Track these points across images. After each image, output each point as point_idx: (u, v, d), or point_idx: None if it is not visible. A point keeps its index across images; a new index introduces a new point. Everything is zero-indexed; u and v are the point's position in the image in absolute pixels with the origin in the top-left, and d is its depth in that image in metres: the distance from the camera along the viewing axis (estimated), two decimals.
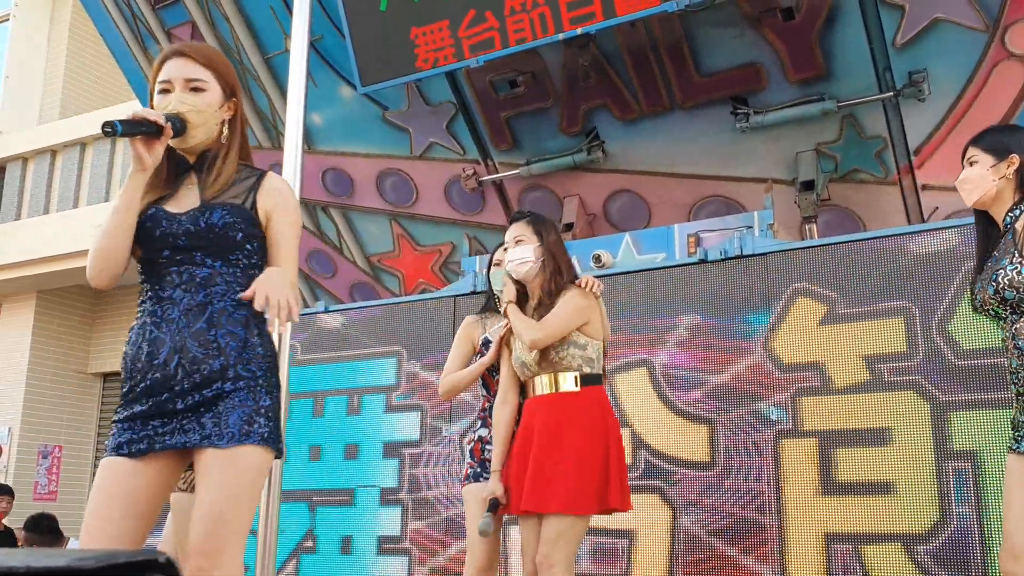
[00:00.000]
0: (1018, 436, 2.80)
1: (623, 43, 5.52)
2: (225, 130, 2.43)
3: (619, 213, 6.25)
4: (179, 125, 2.31)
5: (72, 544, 7.11)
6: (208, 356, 2.24)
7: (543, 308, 3.41)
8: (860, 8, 5.00)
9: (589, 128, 5.99)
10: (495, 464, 3.50)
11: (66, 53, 12.37)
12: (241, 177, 2.42)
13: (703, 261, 4.54)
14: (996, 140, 2.98)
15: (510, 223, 3.63)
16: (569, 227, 6.07)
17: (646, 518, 4.40)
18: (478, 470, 3.82)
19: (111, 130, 2.17)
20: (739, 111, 5.50)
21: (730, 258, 4.47)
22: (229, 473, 2.18)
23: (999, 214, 2.92)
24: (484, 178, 6.41)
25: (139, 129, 2.22)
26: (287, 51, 6.28)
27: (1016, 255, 2.78)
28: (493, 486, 3.47)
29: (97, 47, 11.97)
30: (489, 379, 3.91)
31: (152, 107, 2.37)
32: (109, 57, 10.15)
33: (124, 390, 2.30)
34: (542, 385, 3.39)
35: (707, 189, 5.94)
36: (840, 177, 5.57)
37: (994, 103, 5.10)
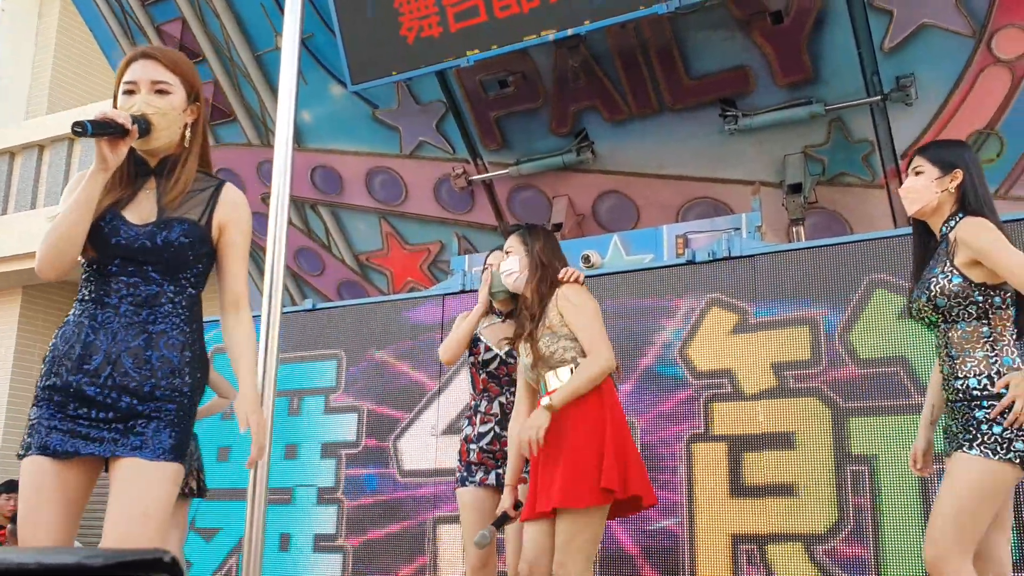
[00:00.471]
0: (947, 441, 2.92)
1: (613, 45, 5.54)
2: (187, 134, 2.44)
3: (608, 214, 6.27)
4: (144, 126, 2.32)
5: None
6: (140, 375, 2.27)
7: (534, 310, 3.45)
8: (849, 12, 5.03)
9: (579, 129, 6.01)
10: (508, 478, 3.51)
11: (54, 48, 12.32)
12: (199, 187, 2.44)
13: (691, 262, 4.56)
14: (943, 153, 3.06)
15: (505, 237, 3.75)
16: (558, 227, 6.09)
17: None
18: (464, 474, 3.84)
19: (81, 130, 2.18)
20: (728, 113, 5.53)
21: (718, 259, 4.49)
22: (157, 482, 2.23)
23: (936, 224, 3.00)
24: (473, 177, 6.42)
25: (107, 130, 2.23)
26: (277, 48, 6.31)
27: (948, 264, 2.88)
28: (504, 501, 3.50)
29: (85, 43, 11.93)
30: (476, 376, 3.93)
31: (116, 107, 2.37)
32: (97, 52, 10.13)
33: (46, 383, 2.30)
34: (543, 384, 3.42)
35: (695, 191, 5.97)
36: (827, 180, 5.61)
37: (980, 108, 5.14)
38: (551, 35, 5.16)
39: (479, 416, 3.88)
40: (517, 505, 3.43)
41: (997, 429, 2.75)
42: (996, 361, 2.83)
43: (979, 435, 2.77)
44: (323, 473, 5.36)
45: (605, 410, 3.29)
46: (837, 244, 4.36)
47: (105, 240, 2.32)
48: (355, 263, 7.25)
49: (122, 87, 2.38)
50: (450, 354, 3.98)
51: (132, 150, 2.38)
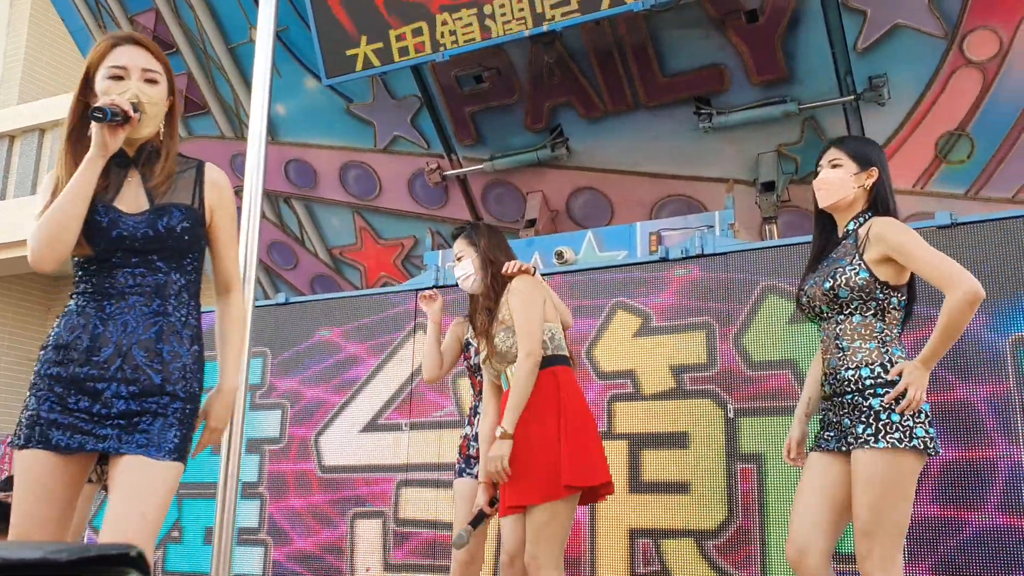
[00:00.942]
0: (827, 435, 2.94)
1: (588, 42, 5.54)
2: (162, 127, 2.43)
3: (582, 210, 6.28)
4: (138, 114, 2.31)
5: None
6: (151, 369, 2.26)
7: (489, 306, 3.47)
8: (823, 12, 5.06)
9: (554, 125, 6.01)
10: (481, 476, 3.50)
11: (26, 38, 12.18)
12: (180, 169, 2.43)
13: (664, 259, 4.57)
14: (862, 149, 3.09)
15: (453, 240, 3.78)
16: (532, 223, 6.09)
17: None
18: (462, 466, 3.93)
19: (101, 116, 2.19)
20: (702, 111, 5.55)
21: (691, 257, 4.51)
22: (159, 481, 2.21)
23: (844, 220, 3.04)
24: (448, 172, 6.41)
25: (115, 117, 2.23)
26: (251, 41, 6.27)
27: (856, 257, 2.91)
28: (479, 499, 3.50)
29: (57, 32, 11.81)
30: (472, 379, 3.96)
31: (95, 90, 2.36)
32: (69, 42, 10.03)
33: (47, 371, 2.26)
34: (504, 380, 3.44)
35: (669, 188, 5.98)
36: (800, 179, 5.64)
37: (952, 108, 5.19)
38: (526, 31, 5.15)
39: (477, 418, 3.89)
40: (493, 502, 3.43)
41: (896, 417, 2.76)
42: (887, 352, 2.87)
43: (880, 426, 2.76)
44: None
45: (561, 402, 3.28)
46: (809, 243, 4.38)
47: (105, 233, 2.29)
48: (328, 257, 7.22)
49: (108, 70, 2.35)
50: (427, 373, 4.04)
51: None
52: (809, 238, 4.43)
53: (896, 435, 2.75)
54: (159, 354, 2.27)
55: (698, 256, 4.49)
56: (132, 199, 2.35)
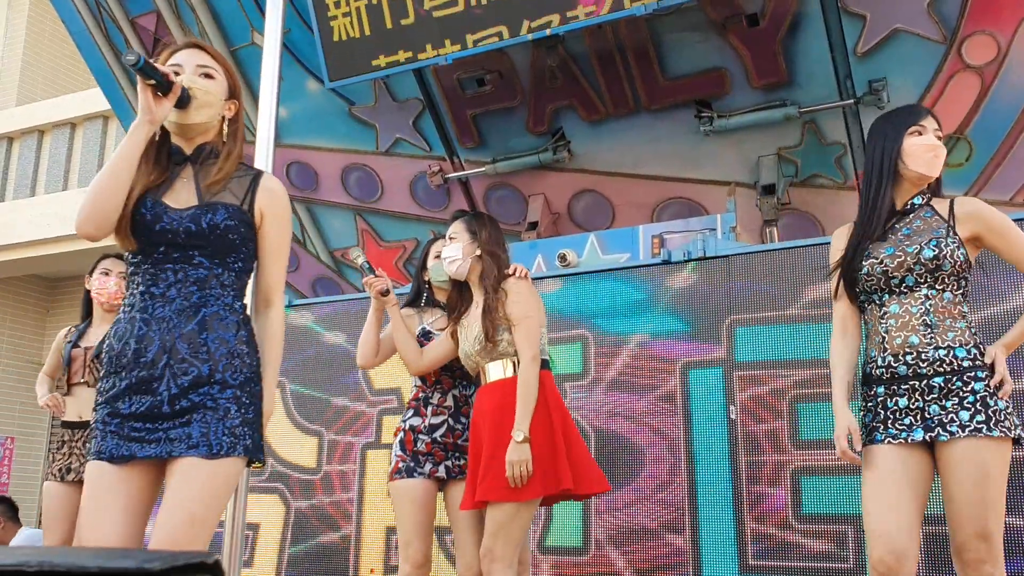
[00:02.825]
0: (901, 424, 2.72)
1: (591, 45, 5.58)
2: (226, 128, 2.46)
3: (583, 213, 6.31)
4: (186, 95, 2.35)
5: (22, 533, 7.02)
6: (197, 360, 2.24)
7: (490, 301, 3.48)
8: (823, 16, 5.10)
9: (555, 128, 6.05)
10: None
11: (24, 39, 12.18)
12: (238, 175, 2.45)
13: (667, 262, 4.61)
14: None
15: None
16: (534, 226, 6.12)
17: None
18: (411, 464, 3.70)
19: (134, 60, 2.21)
20: (703, 115, 5.59)
21: (693, 259, 4.54)
22: (210, 481, 2.19)
23: (910, 193, 2.89)
24: (450, 175, 6.44)
25: (155, 75, 2.26)
26: (254, 44, 6.30)
27: (951, 232, 2.76)
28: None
29: (55, 33, 11.81)
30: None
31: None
32: (68, 44, 10.04)
33: (106, 385, 2.28)
34: (484, 374, 3.50)
35: (670, 191, 6.02)
36: (800, 182, 5.68)
37: (950, 113, 5.23)
38: (529, 34, 5.18)
39: (431, 408, 3.77)
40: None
41: (1001, 404, 2.62)
42: (976, 333, 2.75)
43: (991, 413, 2.59)
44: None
45: (550, 408, 3.35)
46: (810, 245, 4.42)
47: (149, 227, 2.30)
48: (330, 259, 7.24)
49: (168, 69, 2.40)
50: (362, 359, 3.91)
51: (167, 137, 2.41)
52: (810, 241, 4.49)
53: (1006, 424, 2.60)
54: (204, 344, 2.25)
55: (700, 259, 4.52)
56: (183, 196, 2.36)
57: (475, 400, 3.58)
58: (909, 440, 2.66)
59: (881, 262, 2.80)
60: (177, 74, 2.40)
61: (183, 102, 2.35)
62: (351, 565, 4.90)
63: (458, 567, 3.63)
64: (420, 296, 4.09)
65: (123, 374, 2.25)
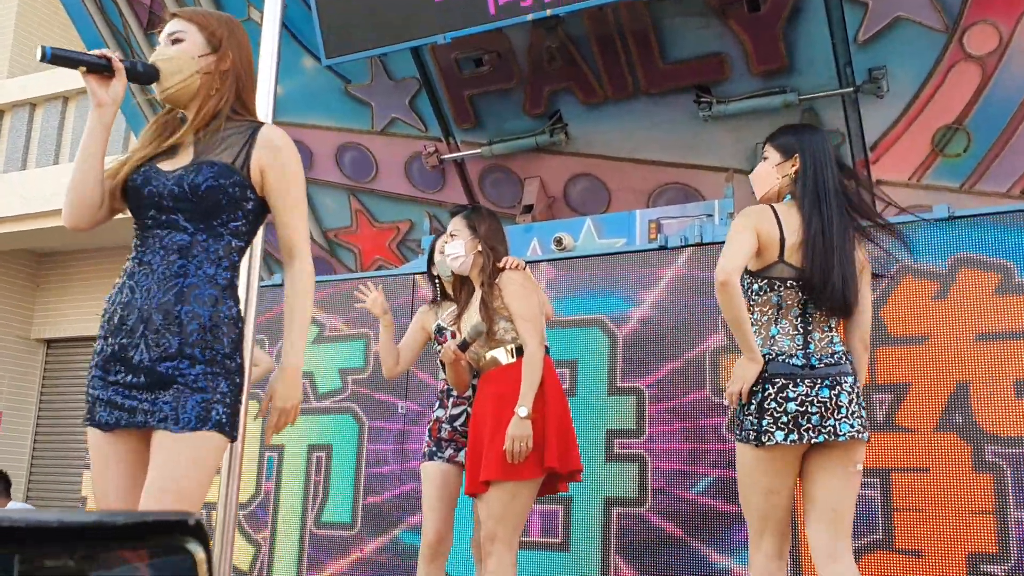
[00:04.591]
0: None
1: (590, 28, 5.53)
2: (216, 82, 2.42)
3: (579, 196, 6.28)
4: (145, 70, 2.35)
5: (12, 506, 7.04)
6: (169, 333, 2.21)
7: (485, 294, 3.61)
8: (824, 3, 5.06)
9: (553, 110, 6.00)
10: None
11: (16, 11, 12.06)
12: (238, 129, 2.39)
13: (663, 248, 4.59)
14: (786, 139, 3.18)
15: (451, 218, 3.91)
16: (529, 209, 6.09)
17: None
18: (433, 448, 3.95)
19: (40, 55, 2.21)
20: (702, 100, 5.55)
21: (690, 245, 4.52)
22: (180, 456, 2.16)
23: None
24: (445, 156, 6.39)
25: (80, 59, 2.26)
26: (250, 19, 6.22)
27: None
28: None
29: (48, 5, 11.69)
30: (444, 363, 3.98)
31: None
32: (61, 16, 9.92)
33: (97, 348, 2.30)
34: (485, 362, 3.62)
35: (667, 176, 5.99)
36: None
37: (949, 102, 5.21)
38: (529, 15, 5.14)
39: (452, 399, 3.98)
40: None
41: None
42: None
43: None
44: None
45: (545, 388, 3.48)
46: None
47: (139, 191, 2.29)
48: (323, 239, 7.20)
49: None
50: (387, 371, 4.17)
51: (179, 113, 2.41)
52: None
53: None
54: (177, 317, 2.21)
55: (697, 245, 4.51)
56: (180, 159, 2.34)
57: (477, 388, 3.69)
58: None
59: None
60: (108, 59, 2.35)
61: (146, 77, 2.34)
62: None
63: (473, 541, 3.87)
64: (435, 292, 4.23)
65: (109, 340, 2.26)
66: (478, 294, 3.68)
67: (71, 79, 10.39)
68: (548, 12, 5.07)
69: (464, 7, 5.22)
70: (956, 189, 5.48)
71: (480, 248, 3.69)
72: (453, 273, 3.84)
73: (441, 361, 3.88)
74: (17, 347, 11.53)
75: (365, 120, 6.51)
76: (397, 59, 6.02)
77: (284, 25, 6.19)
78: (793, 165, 3.10)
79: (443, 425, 3.93)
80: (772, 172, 3.13)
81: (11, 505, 7.04)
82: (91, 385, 2.28)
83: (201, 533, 0.54)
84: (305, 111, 6.63)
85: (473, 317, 3.61)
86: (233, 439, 2.32)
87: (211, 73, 2.41)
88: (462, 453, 3.87)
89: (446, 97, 6.18)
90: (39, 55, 2.20)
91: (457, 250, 3.71)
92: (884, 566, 3.78)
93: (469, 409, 3.89)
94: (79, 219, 2.31)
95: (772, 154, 3.15)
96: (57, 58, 2.22)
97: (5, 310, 11.53)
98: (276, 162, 2.36)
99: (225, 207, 2.30)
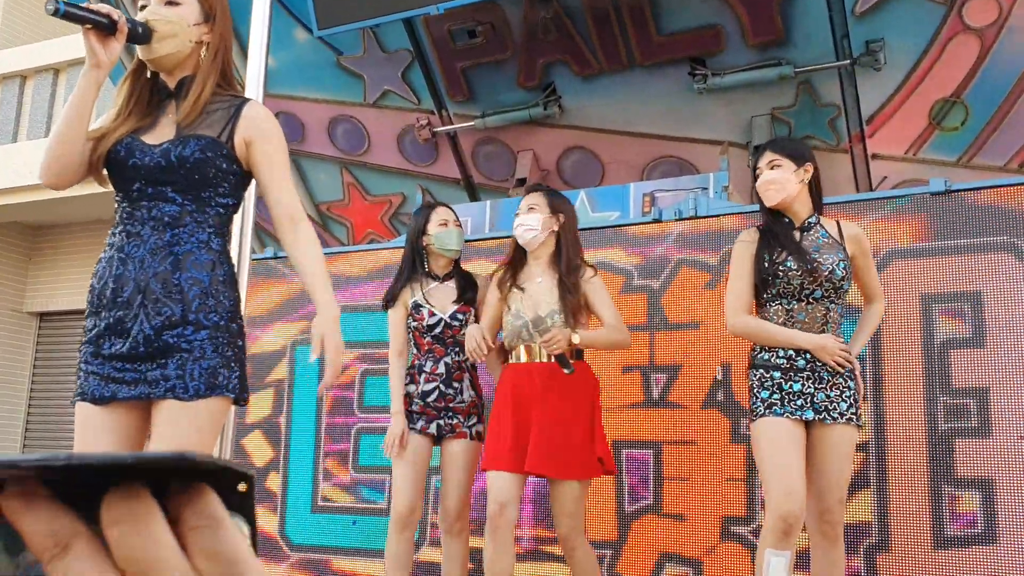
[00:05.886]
0: (797, 404, 3.18)
1: None
2: (203, 53, 2.38)
3: (572, 169, 6.24)
4: (143, 31, 2.28)
5: None
6: (170, 300, 2.20)
7: (564, 282, 3.62)
8: None
9: (547, 83, 5.94)
10: (395, 407, 3.86)
11: None
12: (222, 105, 2.37)
13: (657, 221, 4.55)
14: (794, 148, 3.46)
15: (526, 193, 3.87)
16: (522, 182, 6.04)
17: None
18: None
19: (52, 9, 2.15)
20: (697, 72, 5.50)
21: (684, 219, 4.49)
22: (190, 423, 2.16)
23: (800, 213, 3.35)
24: (438, 129, 6.33)
25: (88, 16, 2.18)
26: None
27: (843, 252, 3.28)
28: (397, 428, 3.82)
29: None
30: (420, 339, 3.95)
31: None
32: None
33: (88, 325, 2.27)
34: (530, 351, 3.62)
35: (661, 149, 5.94)
36: None
37: (947, 76, 5.16)
38: None
39: (424, 376, 3.94)
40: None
41: (856, 399, 3.22)
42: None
43: (857, 407, 3.19)
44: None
45: (593, 393, 3.61)
46: None
47: (122, 164, 2.26)
48: (315, 213, 7.15)
49: (138, 8, 2.35)
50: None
51: (154, 78, 2.35)
52: None
53: (860, 415, 3.24)
54: (177, 284, 2.20)
55: (692, 218, 4.47)
56: (161, 133, 2.31)
57: (521, 371, 3.64)
58: (801, 417, 3.15)
59: (814, 271, 3.23)
60: (144, 8, 2.31)
61: (143, 37, 2.28)
62: None
63: (440, 512, 3.88)
64: (414, 266, 4.08)
65: (103, 314, 2.23)
66: (542, 277, 3.67)
67: (61, 51, 10.31)
68: None
69: None
70: (953, 163, 5.44)
71: (556, 230, 3.70)
72: (458, 253, 4.02)
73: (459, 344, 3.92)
74: (10, 320, 11.49)
75: (357, 92, 6.44)
76: (390, 30, 5.95)
77: None
78: (807, 171, 3.35)
79: (415, 400, 3.90)
80: (791, 178, 3.31)
81: None
82: (83, 360, 2.25)
83: (248, 479, 0.50)
84: (297, 83, 6.56)
85: (544, 298, 3.60)
86: (244, 402, 2.31)
87: (202, 43, 2.39)
88: (433, 425, 3.88)
89: (439, 69, 6.11)
90: (51, 9, 2.14)
91: (533, 223, 3.67)
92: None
93: (441, 386, 3.91)
94: (58, 174, 2.27)
95: (785, 162, 3.32)
96: (68, 14, 2.17)
97: None
98: (260, 134, 2.38)
99: (212, 179, 2.30)
